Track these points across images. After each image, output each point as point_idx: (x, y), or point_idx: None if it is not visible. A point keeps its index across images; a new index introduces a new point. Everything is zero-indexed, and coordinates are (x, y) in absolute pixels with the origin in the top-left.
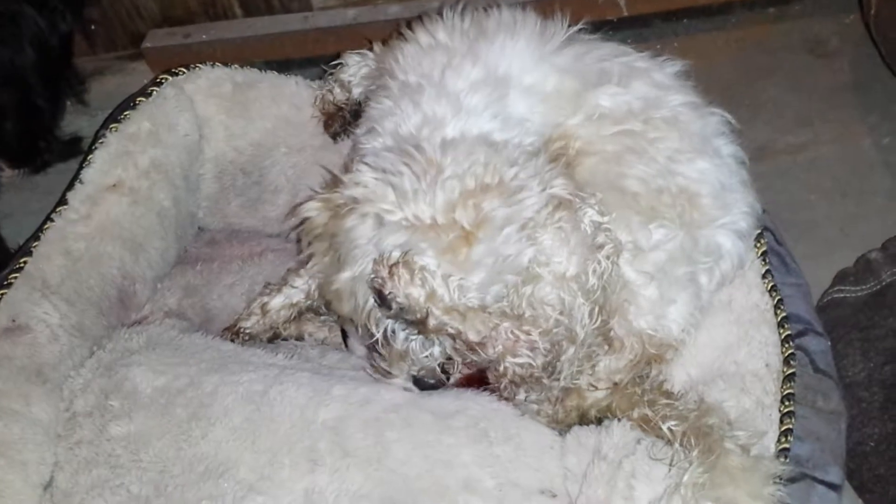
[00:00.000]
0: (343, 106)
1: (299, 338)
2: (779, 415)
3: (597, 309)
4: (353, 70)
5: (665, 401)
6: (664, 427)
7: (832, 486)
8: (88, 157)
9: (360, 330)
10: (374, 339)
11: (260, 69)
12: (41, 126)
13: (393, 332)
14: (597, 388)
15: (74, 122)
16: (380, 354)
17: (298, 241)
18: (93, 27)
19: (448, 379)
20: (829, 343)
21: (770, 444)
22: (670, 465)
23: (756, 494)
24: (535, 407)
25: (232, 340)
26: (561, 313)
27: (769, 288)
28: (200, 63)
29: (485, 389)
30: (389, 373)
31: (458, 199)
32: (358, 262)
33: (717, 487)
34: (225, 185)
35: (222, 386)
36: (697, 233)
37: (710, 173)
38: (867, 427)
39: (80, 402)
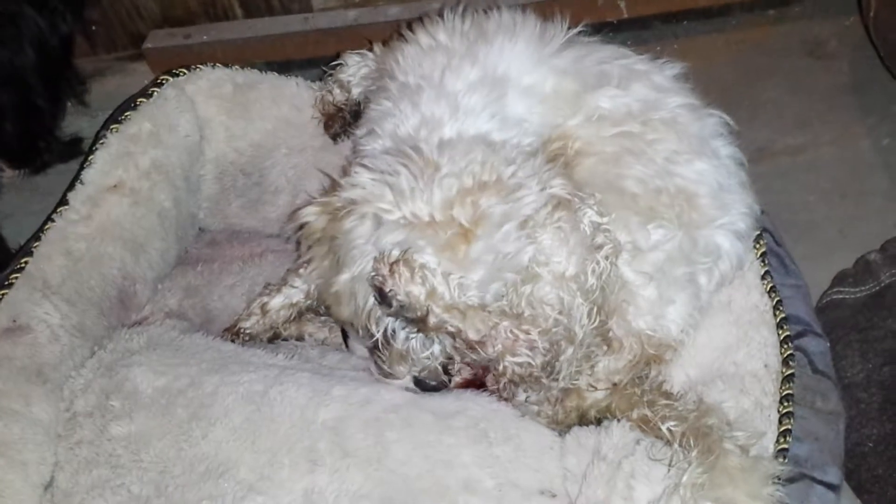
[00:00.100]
0: (343, 107)
1: (299, 338)
2: (778, 415)
3: (595, 309)
4: (353, 70)
5: (664, 401)
6: (663, 427)
7: (831, 487)
8: (89, 158)
9: (360, 331)
10: (375, 339)
11: (260, 70)
12: (41, 127)
13: (393, 331)
14: (596, 389)
15: (75, 122)
16: (381, 355)
17: (298, 246)
18: (93, 28)
19: (450, 381)
20: (828, 344)
21: (769, 444)
22: (669, 465)
23: (755, 495)
24: (535, 407)
25: (232, 341)
26: (560, 313)
27: (768, 289)
28: (201, 64)
29: (485, 390)
30: (391, 374)
31: (456, 197)
32: (357, 262)
33: (716, 488)
34: (225, 185)
35: (223, 386)
36: (696, 233)
37: (708, 174)
38: (866, 428)
39: (81, 402)
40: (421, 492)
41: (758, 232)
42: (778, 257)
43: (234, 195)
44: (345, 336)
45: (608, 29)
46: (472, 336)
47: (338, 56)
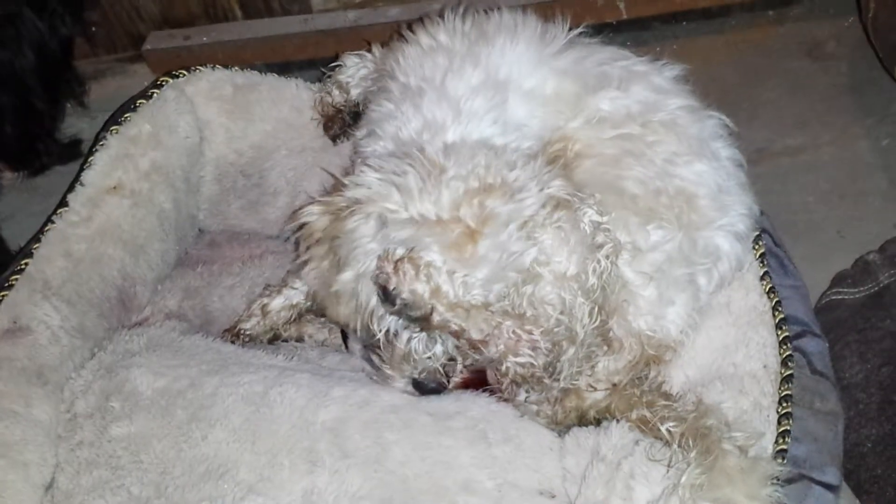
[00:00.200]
0: (342, 108)
1: (299, 339)
2: (776, 416)
3: (596, 308)
4: (352, 71)
5: (663, 402)
6: (662, 428)
7: (829, 487)
8: (89, 160)
9: (360, 331)
10: (376, 339)
11: (260, 71)
12: (40, 129)
13: (395, 331)
14: (596, 389)
15: (75, 124)
16: (380, 356)
17: (296, 246)
18: (93, 29)
19: (448, 383)
20: (827, 344)
21: (768, 445)
22: (668, 466)
23: (753, 495)
24: (535, 408)
25: (232, 342)
26: (561, 313)
27: (767, 290)
28: (201, 65)
29: (484, 391)
30: (390, 375)
31: (463, 198)
32: (360, 261)
33: (715, 488)
34: (225, 187)
35: (222, 387)
36: (696, 234)
37: (707, 175)
38: (865, 428)
39: (81, 403)
40: (420, 492)
41: (757, 233)
42: (777, 258)
43: (234, 196)
44: (344, 337)
45: (608, 30)
46: (475, 335)
47: (337, 57)
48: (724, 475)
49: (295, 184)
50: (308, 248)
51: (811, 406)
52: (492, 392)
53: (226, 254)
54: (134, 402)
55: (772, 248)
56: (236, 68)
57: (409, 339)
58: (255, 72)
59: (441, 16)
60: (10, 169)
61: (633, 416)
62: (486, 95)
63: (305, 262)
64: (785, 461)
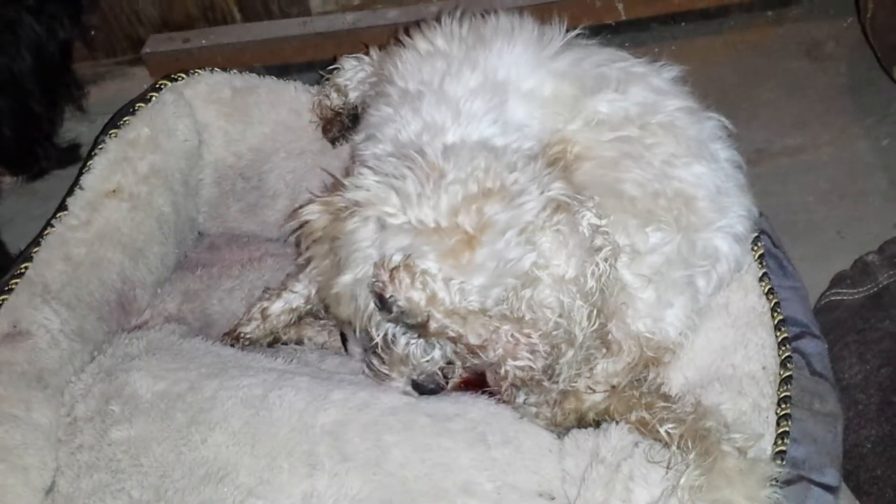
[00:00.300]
0: (340, 111)
1: (299, 342)
2: (775, 417)
3: (595, 311)
4: (350, 74)
5: (662, 404)
6: (661, 430)
7: (828, 488)
8: (88, 163)
9: (359, 334)
10: (374, 343)
11: (259, 74)
12: (39, 133)
13: (393, 336)
14: (595, 391)
15: (74, 128)
16: (379, 358)
17: (297, 244)
18: (92, 32)
19: (447, 384)
20: (826, 345)
21: (767, 446)
22: (667, 467)
23: (752, 497)
24: (534, 410)
25: (232, 345)
26: (560, 316)
27: (766, 291)
28: (200, 68)
29: (483, 392)
30: (388, 376)
31: (462, 204)
32: (359, 265)
33: (714, 490)
34: (224, 189)
35: (222, 391)
36: (694, 236)
37: (706, 177)
38: (864, 429)
39: (81, 407)
40: (419, 495)
41: (756, 234)
42: (776, 259)
43: (233, 199)
44: (344, 340)
45: (607, 31)
46: (473, 340)
47: (336, 60)
48: (723, 477)
49: (294, 186)
50: (309, 246)
51: (810, 407)
52: (491, 394)
53: (225, 257)
54: (134, 406)
55: (771, 249)
56: (235, 71)
57: (406, 344)
58: (254, 74)
59: (438, 20)
60: (9, 173)
61: (633, 417)
62: (486, 97)
63: (307, 260)
64: (784, 462)
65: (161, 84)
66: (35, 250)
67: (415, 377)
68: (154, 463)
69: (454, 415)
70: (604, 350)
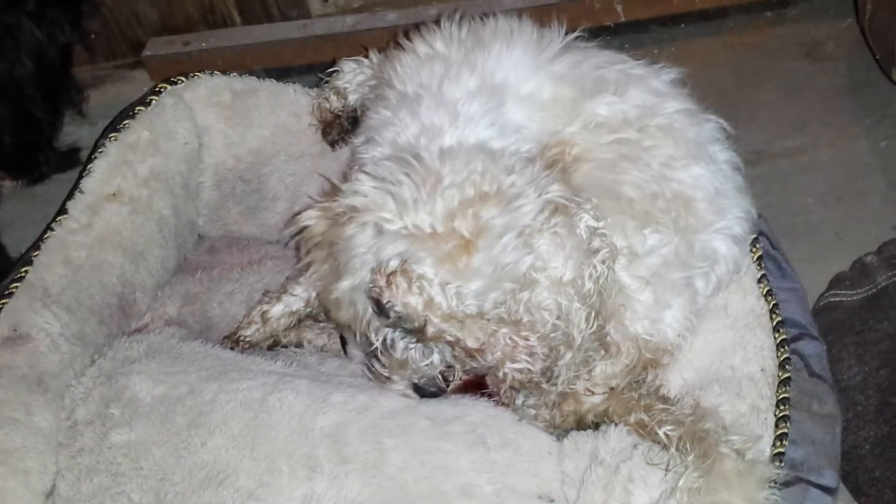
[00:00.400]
0: (339, 113)
1: (298, 345)
2: (774, 419)
3: (593, 313)
4: (349, 77)
5: (661, 405)
6: (660, 432)
7: (827, 490)
8: (88, 167)
9: (359, 338)
10: (374, 347)
11: (259, 77)
12: (39, 137)
13: (392, 340)
14: (594, 393)
15: (75, 131)
16: (379, 362)
17: (297, 249)
18: (92, 36)
19: (448, 386)
20: (825, 347)
21: (765, 448)
22: (666, 469)
23: (751, 499)
24: (533, 412)
25: (232, 348)
26: (558, 318)
27: (765, 292)
28: (200, 71)
29: (482, 395)
30: (389, 378)
31: (458, 208)
32: (357, 271)
33: (713, 492)
34: (224, 192)
35: (221, 394)
36: (693, 238)
37: (704, 179)
38: (863, 430)
39: (81, 410)
40: (419, 497)
41: (754, 235)
42: (774, 260)
43: (233, 202)
44: (343, 343)
45: (605, 33)
46: (471, 344)
47: (335, 62)
48: (721, 479)
49: (294, 189)
50: (308, 251)
51: (809, 409)
52: (490, 396)
53: (225, 259)
54: (134, 409)
55: (769, 250)
56: (235, 74)
57: (405, 348)
58: (254, 77)
59: (438, 23)
60: (9, 177)
61: (631, 419)
62: (483, 99)
63: (307, 265)
64: (782, 464)
65: (161, 87)
66: (35, 254)
67: (415, 380)
68: (154, 466)
69: (453, 417)
70: (602, 352)
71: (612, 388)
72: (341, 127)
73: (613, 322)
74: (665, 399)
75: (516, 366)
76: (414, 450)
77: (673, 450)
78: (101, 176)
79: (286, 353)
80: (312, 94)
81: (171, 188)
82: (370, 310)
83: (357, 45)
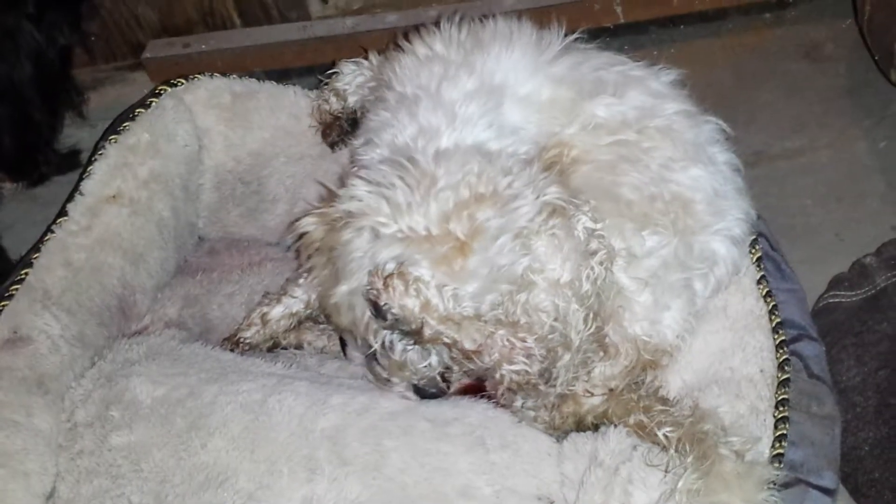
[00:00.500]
0: (339, 115)
1: (298, 346)
2: (773, 420)
3: (591, 315)
4: (349, 79)
5: (660, 407)
6: (660, 433)
7: (826, 491)
8: (88, 169)
9: (359, 342)
10: (373, 350)
11: (259, 78)
12: (39, 140)
13: (391, 343)
14: (593, 395)
15: (75, 133)
16: (379, 364)
17: (297, 255)
18: (92, 38)
19: (449, 388)
20: (824, 348)
21: (764, 449)
22: (666, 471)
23: (750, 500)
24: (532, 414)
25: (232, 350)
26: (556, 319)
27: (764, 294)
28: (200, 73)
29: (482, 397)
30: (389, 381)
31: (453, 210)
32: (354, 275)
33: (712, 493)
34: (224, 194)
35: (221, 396)
36: (692, 239)
37: (703, 180)
38: (862, 431)
39: (81, 412)
40: (419, 499)
41: (753, 237)
42: (773, 262)
43: (233, 204)
44: (343, 344)
45: (605, 34)
46: (468, 346)
47: (335, 64)
48: (720, 480)
49: (293, 191)
50: (309, 257)
51: (808, 410)
52: (489, 398)
53: (225, 261)
54: (134, 411)
55: (768, 251)
56: (234, 76)
57: (404, 350)
58: (254, 79)
59: (437, 24)
60: (9, 179)
61: (631, 421)
62: (481, 100)
63: (308, 271)
64: (782, 465)
65: (161, 89)
66: (35, 256)
67: (414, 382)
68: (154, 468)
69: (453, 419)
70: (601, 353)
71: (611, 390)
72: (341, 129)
73: (612, 323)
74: (664, 400)
75: (513, 367)
76: (414, 451)
77: (672, 451)
78: (101, 178)
79: (286, 355)
80: (312, 96)
81: (170, 190)
82: (368, 313)
83: (357, 46)
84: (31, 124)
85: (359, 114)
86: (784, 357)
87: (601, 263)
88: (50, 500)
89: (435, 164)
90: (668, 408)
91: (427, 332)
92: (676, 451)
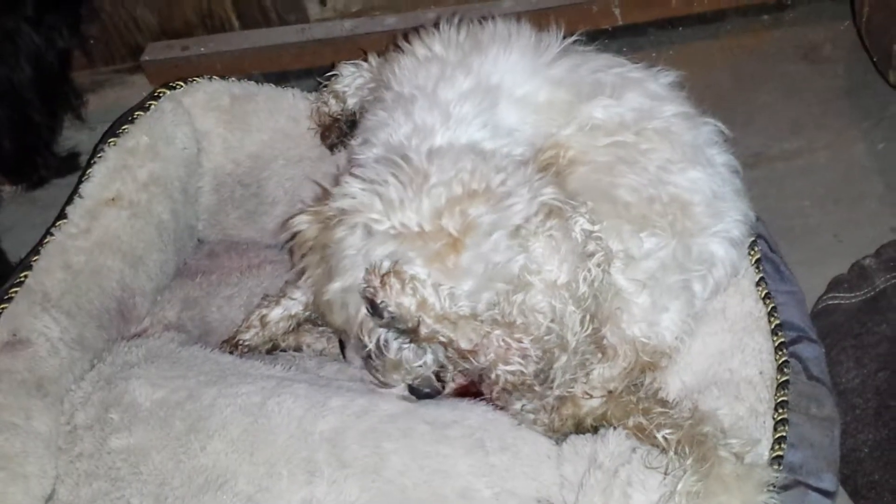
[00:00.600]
0: (338, 117)
1: (297, 349)
2: (772, 422)
3: (588, 317)
4: (348, 81)
5: (659, 409)
6: (659, 435)
7: (826, 493)
8: (87, 172)
9: (352, 340)
10: (368, 349)
11: (257, 81)
12: (38, 142)
13: (386, 341)
14: (592, 397)
15: (74, 135)
16: (374, 365)
17: (291, 254)
18: (91, 41)
19: (444, 388)
20: (823, 350)
21: (764, 451)
22: (665, 473)
23: (750, 502)
24: (532, 416)
25: (231, 353)
26: (552, 321)
27: (763, 295)
28: (198, 75)
29: (482, 399)
30: (385, 382)
31: (445, 206)
32: (348, 272)
33: (711, 495)
34: (223, 197)
35: (220, 398)
36: (690, 241)
37: (702, 182)
38: (861, 433)
39: (81, 415)
40: (418, 501)
41: (752, 238)
42: (772, 263)
43: (232, 206)
44: (342, 346)
45: (604, 36)
46: (464, 345)
47: (334, 66)
48: (720, 482)
49: (293, 193)
50: (302, 256)
51: (807, 412)
52: (489, 400)
53: (224, 264)
54: (133, 414)
55: (767, 253)
56: (233, 79)
57: (399, 349)
58: (252, 82)
59: (437, 26)
60: (8, 182)
61: (630, 423)
62: (476, 100)
63: (302, 270)
64: (781, 468)
65: (160, 92)
66: (35, 259)
67: (409, 381)
68: (153, 471)
69: (452, 421)
70: (599, 355)
71: (610, 392)
72: (340, 131)
73: (610, 325)
74: (663, 402)
75: (509, 368)
76: (413, 454)
77: (671, 453)
78: (100, 181)
79: (285, 357)
80: (311, 99)
81: (170, 193)
82: (363, 311)
83: (356, 49)
84: (30, 127)
85: (358, 116)
86: (783, 359)
87: (598, 265)
88: (49, 502)
89: (428, 162)
90: (667, 410)
91: (423, 330)
92: (676, 453)
